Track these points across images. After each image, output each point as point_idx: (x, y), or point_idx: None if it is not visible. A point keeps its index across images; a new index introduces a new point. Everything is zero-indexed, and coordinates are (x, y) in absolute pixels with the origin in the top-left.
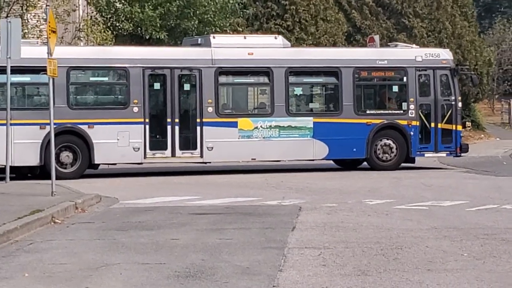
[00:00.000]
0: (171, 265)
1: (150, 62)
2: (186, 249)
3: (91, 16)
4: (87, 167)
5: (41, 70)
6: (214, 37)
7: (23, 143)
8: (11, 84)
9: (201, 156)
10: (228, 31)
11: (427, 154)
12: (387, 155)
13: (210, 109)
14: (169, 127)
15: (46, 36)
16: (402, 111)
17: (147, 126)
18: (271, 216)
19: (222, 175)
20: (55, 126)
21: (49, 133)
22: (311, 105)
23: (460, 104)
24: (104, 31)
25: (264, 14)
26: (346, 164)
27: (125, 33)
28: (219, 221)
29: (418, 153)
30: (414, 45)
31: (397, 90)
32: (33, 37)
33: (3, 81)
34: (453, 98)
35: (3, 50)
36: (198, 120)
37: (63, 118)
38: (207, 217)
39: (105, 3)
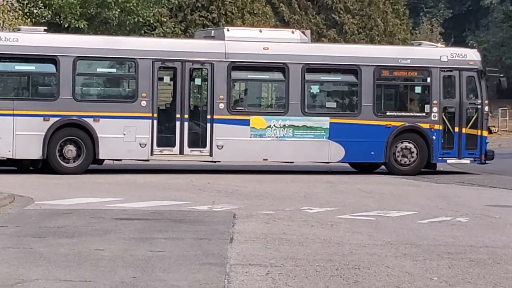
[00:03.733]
0: (97, 284)
1: (160, 54)
2: (114, 263)
3: (7, 1)
4: (91, 163)
5: (46, 59)
6: (228, 30)
7: (26, 135)
8: (15, 73)
9: (211, 154)
10: (151, 21)
11: (449, 160)
12: (406, 159)
13: (222, 106)
14: (178, 123)
15: None
16: (424, 114)
17: (155, 121)
18: (204, 224)
19: (143, 174)
20: (59, 118)
21: (53, 125)
22: (328, 105)
23: (486, 108)
24: (21, 18)
25: (189, 5)
26: (362, 168)
27: (43, 21)
28: (147, 228)
29: (440, 159)
30: (439, 44)
31: (419, 92)
32: None
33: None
34: (479, 101)
35: None
36: (208, 116)
37: (68, 110)
38: (133, 223)
39: None
